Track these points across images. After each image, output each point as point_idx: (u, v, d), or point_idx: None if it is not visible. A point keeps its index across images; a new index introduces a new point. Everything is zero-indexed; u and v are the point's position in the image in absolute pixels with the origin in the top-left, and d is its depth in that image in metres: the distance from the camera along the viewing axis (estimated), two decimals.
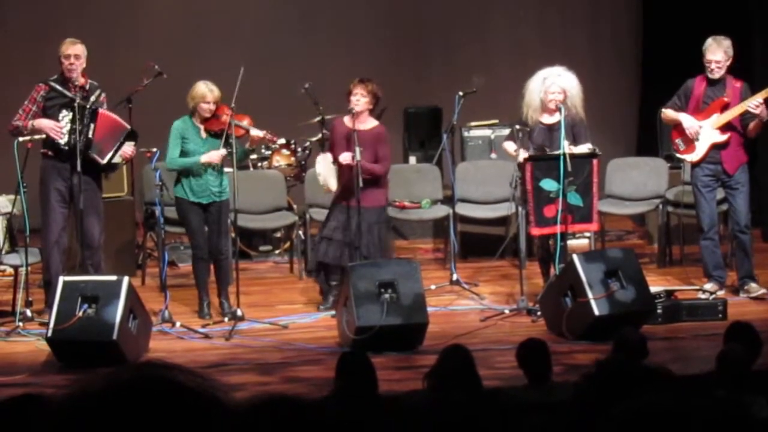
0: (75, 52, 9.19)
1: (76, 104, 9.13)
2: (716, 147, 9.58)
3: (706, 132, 9.58)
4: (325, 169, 9.38)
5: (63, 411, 1.88)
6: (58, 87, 9.20)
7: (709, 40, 9.46)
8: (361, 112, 9.32)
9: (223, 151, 9.11)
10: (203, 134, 9.21)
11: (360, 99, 9.30)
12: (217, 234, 9.32)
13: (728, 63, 9.46)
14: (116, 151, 9.29)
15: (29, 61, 11.56)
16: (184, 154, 9.21)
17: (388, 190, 9.71)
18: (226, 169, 9.37)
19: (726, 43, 9.43)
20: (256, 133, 9.40)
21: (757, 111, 9.34)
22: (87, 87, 9.26)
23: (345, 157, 9.26)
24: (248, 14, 13.07)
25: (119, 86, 10.42)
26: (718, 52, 9.41)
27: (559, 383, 6.13)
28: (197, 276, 9.43)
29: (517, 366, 6.28)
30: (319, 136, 11.45)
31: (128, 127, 9.41)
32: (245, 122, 9.34)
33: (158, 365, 1.98)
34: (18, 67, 11.78)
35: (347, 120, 9.47)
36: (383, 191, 9.54)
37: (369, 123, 9.44)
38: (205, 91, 9.08)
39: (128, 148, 9.37)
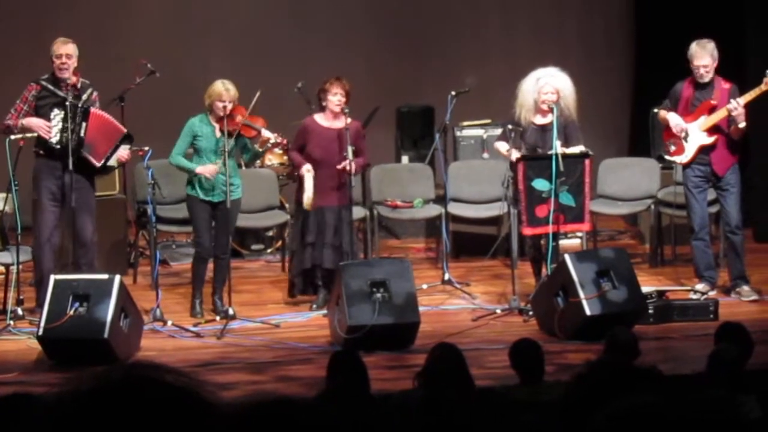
0: (67, 51, 9.18)
1: (67, 103, 9.13)
2: (705, 149, 9.59)
3: (693, 134, 9.60)
4: (311, 189, 9.35)
5: (51, 411, 1.88)
6: (50, 86, 9.20)
7: (694, 46, 9.44)
8: (342, 110, 9.34)
9: (217, 166, 9.12)
10: (218, 133, 9.23)
11: (340, 97, 9.33)
12: (223, 233, 9.34)
13: (715, 65, 9.48)
14: (112, 154, 9.30)
15: (21, 60, 11.54)
16: (196, 150, 9.27)
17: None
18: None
19: (710, 46, 9.43)
20: (266, 134, 9.42)
21: (734, 113, 9.35)
22: (79, 86, 9.26)
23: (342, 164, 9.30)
24: (241, 13, 13.06)
25: (111, 84, 10.40)
26: (705, 57, 9.41)
27: (551, 383, 6.13)
28: (195, 274, 9.43)
29: (509, 365, 6.28)
30: None
31: (124, 130, 9.41)
32: (258, 124, 9.38)
33: (146, 365, 1.98)
34: (10, 66, 11.76)
35: (321, 118, 9.49)
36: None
37: (347, 120, 9.45)
38: (221, 90, 9.11)
39: (124, 152, 9.38)
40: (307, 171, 9.38)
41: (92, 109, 9.26)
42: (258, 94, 9.24)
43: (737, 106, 9.32)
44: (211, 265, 9.52)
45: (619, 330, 6.82)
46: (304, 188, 9.35)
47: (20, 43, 12.11)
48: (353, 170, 9.31)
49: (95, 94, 9.39)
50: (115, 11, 12.74)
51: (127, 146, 9.40)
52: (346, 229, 9.42)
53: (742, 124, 9.42)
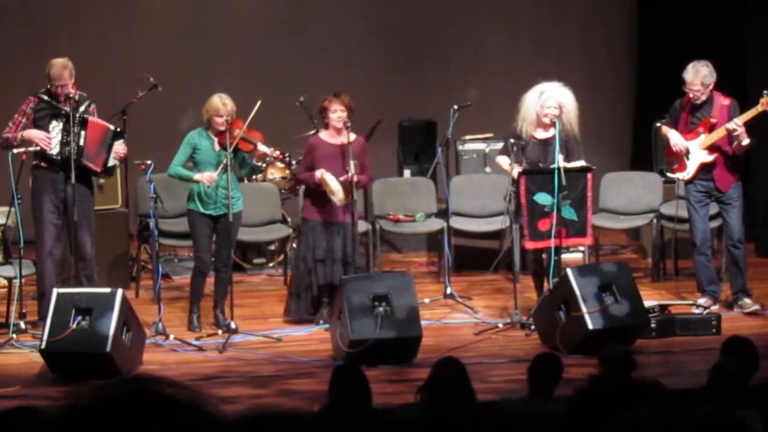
0: (62, 82, 9.06)
1: (63, 112, 9.13)
2: (707, 166, 9.60)
3: (694, 152, 9.61)
4: (337, 183, 9.34)
5: (53, 425, 1.88)
6: (48, 99, 9.21)
7: (689, 68, 9.42)
8: (344, 126, 9.34)
9: (215, 174, 9.13)
10: (216, 146, 9.24)
11: (340, 114, 9.33)
12: (224, 246, 9.35)
13: (710, 87, 9.46)
14: (108, 155, 9.29)
15: (24, 74, 11.55)
16: (195, 164, 9.28)
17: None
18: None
19: (704, 71, 9.38)
20: (263, 149, 9.43)
21: (735, 132, 9.35)
22: (77, 98, 9.23)
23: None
24: (242, 27, 13.07)
25: (114, 98, 10.43)
26: (695, 82, 9.41)
27: (556, 397, 6.12)
28: (193, 289, 9.43)
29: (511, 379, 6.27)
30: None
31: (111, 127, 9.41)
32: (254, 138, 9.39)
33: (147, 379, 1.98)
34: (13, 80, 11.77)
35: (326, 135, 9.48)
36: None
37: (350, 135, 9.44)
38: (219, 105, 9.12)
39: (120, 147, 9.36)
40: (324, 172, 9.36)
41: (89, 118, 9.27)
42: (258, 105, 9.23)
43: (737, 126, 9.32)
44: (211, 279, 9.53)
45: (611, 346, 6.78)
46: (330, 188, 9.30)
47: (23, 58, 12.12)
48: (356, 184, 9.29)
49: (93, 106, 9.38)
50: (117, 26, 12.76)
51: (121, 141, 9.37)
52: (351, 245, 9.40)
53: (745, 142, 9.42)
